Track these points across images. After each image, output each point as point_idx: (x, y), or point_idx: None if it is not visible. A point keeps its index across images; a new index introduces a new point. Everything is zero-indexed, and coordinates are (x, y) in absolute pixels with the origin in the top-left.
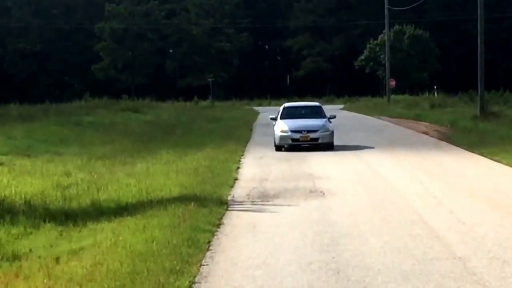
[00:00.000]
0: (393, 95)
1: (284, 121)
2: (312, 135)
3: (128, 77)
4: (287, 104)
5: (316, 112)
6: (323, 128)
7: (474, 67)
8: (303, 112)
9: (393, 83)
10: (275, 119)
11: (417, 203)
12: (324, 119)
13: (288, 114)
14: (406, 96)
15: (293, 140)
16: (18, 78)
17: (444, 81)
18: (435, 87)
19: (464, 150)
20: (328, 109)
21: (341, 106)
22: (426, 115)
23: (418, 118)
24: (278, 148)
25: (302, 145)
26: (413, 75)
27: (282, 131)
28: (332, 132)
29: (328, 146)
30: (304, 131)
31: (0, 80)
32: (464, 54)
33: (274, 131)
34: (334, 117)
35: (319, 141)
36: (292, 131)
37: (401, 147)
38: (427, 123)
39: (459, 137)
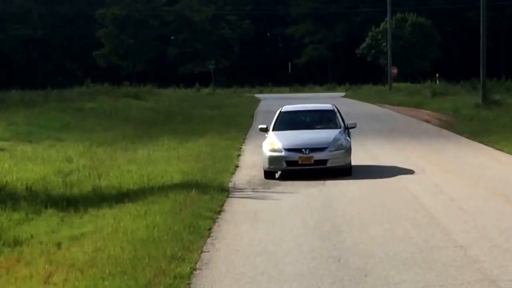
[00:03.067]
0: (395, 83)
1: (277, 134)
2: (318, 156)
3: (130, 64)
4: (285, 108)
5: (328, 120)
6: (335, 144)
7: (476, 55)
8: (307, 120)
9: (395, 71)
10: (265, 130)
11: (418, 191)
12: (338, 130)
13: (285, 122)
14: (408, 84)
15: (289, 163)
16: (19, 64)
17: (446, 69)
18: (437, 75)
19: (466, 139)
20: (329, 96)
21: (343, 93)
22: (428, 103)
23: (420, 106)
24: (268, 174)
25: (303, 170)
26: (415, 63)
27: (273, 150)
28: (349, 150)
29: (342, 171)
30: (306, 149)
31: (1, 66)
32: (466, 42)
33: (262, 149)
34: (354, 126)
35: (329, 164)
36: (288, 150)
37: (402, 135)
38: (429, 111)
39: (461, 125)
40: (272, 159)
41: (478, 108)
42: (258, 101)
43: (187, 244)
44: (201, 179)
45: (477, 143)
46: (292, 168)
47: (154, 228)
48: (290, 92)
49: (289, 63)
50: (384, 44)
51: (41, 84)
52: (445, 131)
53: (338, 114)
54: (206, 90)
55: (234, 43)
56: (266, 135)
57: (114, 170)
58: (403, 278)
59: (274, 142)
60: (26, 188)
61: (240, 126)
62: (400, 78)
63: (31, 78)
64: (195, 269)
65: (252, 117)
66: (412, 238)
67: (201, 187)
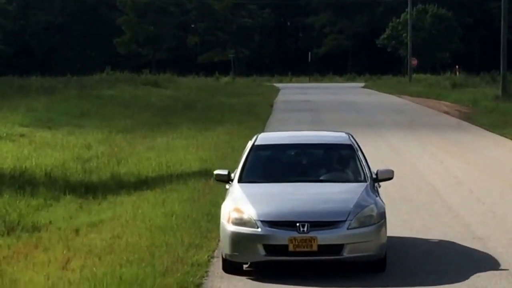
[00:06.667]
0: (414, 74)
1: (248, 190)
2: (326, 237)
3: (150, 51)
4: (263, 138)
5: (343, 164)
6: (359, 214)
7: (497, 47)
8: (304, 163)
9: (415, 62)
10: (227, 178)
11: (437, 182)
12: (362, 185)
13: (264, 167)
14: (428, 76)
15: (271, 249)
16: (39, 50)
17: (466, 61)
18: (457, 66)
19: (485, 130)
20: (348, 87)
21: (362, 84)
22: (447, 94)
23: (439, 97)
24: (230, 265)
25: (297, 263)
26: (435, 54)
27: (240, 222)
28: (383, 224)
29: (370, 265)
30: (303, 224)
31: (22, 52)
32: (487, 34)
33: (220, 219)
34: (389, 177)
35: (346, 252)
36: (268, 224)
37: (421, 126)
38: (448, 103)
39: (480, 117)
40: (237, 240)
41: (497, 100)
42: (277, 90)
43: (205, 232)
44: (220, 167)
45: (496, 135)
46: (276, 259)
47: (172, 215)
48: (310, 82)
49: (309, 53)
50: (404, 35)
51: (61, 71)
52: (464, 123)
53: (360, 153)
54: (225, 79)
55: (254, 32)
56: (227, 188)
57: (133, 157)
58: (422, 270)
59: (241, 207)
60: (45, 174)
61: (259, 115)
62: (420, 69)
63: (52, 64)
64: (212, 257)
65: (271, 106)
66: (430, 229)
67: None
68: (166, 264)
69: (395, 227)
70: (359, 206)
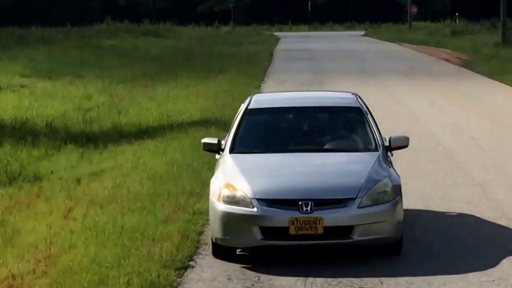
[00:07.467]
0: (414, 22)
1: (242, 163)
2: (333, 217)
3: (149, 1)
4: (257, 101)
5: (350, 130)
6: (372, 189)
7: None
8: (305, 128)
9: (415, 9)
10: (217, 148)
11: (437, 129)
12: (374, 155)
13: (259, 135)
14: (428, 23)
15: (269, 232)
16: (39, 1)
17: (466, 8)
18: (457, 14)
19: (485, 77)
20: (349, 35)
21: (362, 32)
22: (447, 42)
23: (439, 45)
24: (220, 250)
25: (300, 247)
26: (435, 1)
27: (232, 200)
28: (398, 201)
29: (384, 248)
30: (306, 202)
31: (21, 2)
32: None
33: (210, 196)
34: (404, 144)
35: (356, 235)
36: (266, 203)
37: (422, 74)
38: (448, 50)
39: (480, 64)
40: (229, 222)
41: (497, 47)
42: (277, 39)
43: (206, 180)
44: (221, 116)
45: (496, 82)
46: (275, 244)
47: (173, 164)
48: (310, 30)
49: (309, 2)
50: None
51: (61, 21)
52: (464, 70)
53: (369, 117)
54: (225, 28)
55: None
56: (217, 158)
57: (134, 107)
58: (421, 214)
59: (233, 183)
60: (46, 124)
61: (260, 64)
62: (420, 17)
63: (51, 15)
64: None
65: (272, 55)
66: (431, 175)
67: (221, 124)
68: (167, 212)
69: None
70: (371, 180)
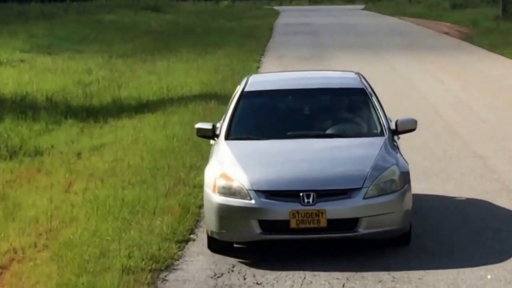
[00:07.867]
0: None
1: (238, 150)
2: (336, 209)
3: None
4: (253, 82)
5: (354, 113)
6: (379, 178)
7: None
8: (306, 112)
9: None
10: (212, 134)
11: (437, 102)
12: (380, 140)
13: (256, 120)
14: None
15: (268, 226)
16: None
17: None
18: None
19: (486, 50)
20: (349, 9)
21: (362, 6)
22: (447, 15)
23: (439, 18)
24: (216, 244)
25: (302, 241)
26: None
27: (228, 192)
28: (406, 190)
29: (391, 240)
30: (308, 193)
31: None
32: None
33: (204, 186)
34: (412, 128)
35: (362, 228)
36: (264, 194)
37: (422, 47)
38: (448, 24)
39: (480, 37)
40: (225, 215)
41: (497, 20)
42: (277, 13)
43: (206, 154)
44: (220, 90)
45: (496, 55)
46: (275, 238)
47: (173, 138)
48: (310, 4)
49: None
50: None
51: None
52: (464, 43)
53: (374, 98)
54: (225, 3)
55: None
56: (211, 144)
57: (134, 81)
58: (422, 187)
59: (229, 173)
60: (46, 98)
61: (259, 39)
62: None
63: None
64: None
65: (271, 29)
66: (431, 148)
67: (220, 98)
68: (168, 186)
69: None
70: (378, 168)
